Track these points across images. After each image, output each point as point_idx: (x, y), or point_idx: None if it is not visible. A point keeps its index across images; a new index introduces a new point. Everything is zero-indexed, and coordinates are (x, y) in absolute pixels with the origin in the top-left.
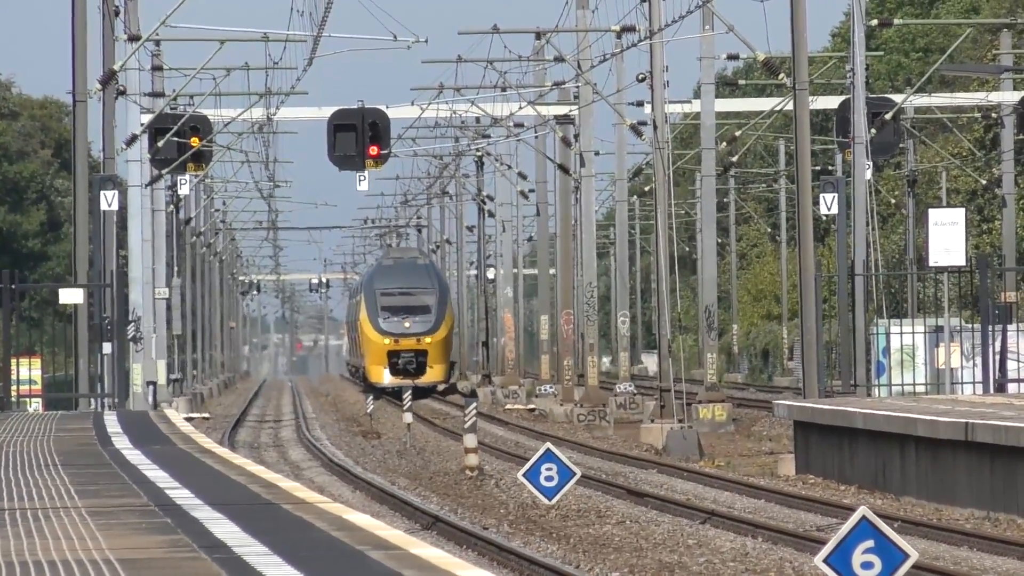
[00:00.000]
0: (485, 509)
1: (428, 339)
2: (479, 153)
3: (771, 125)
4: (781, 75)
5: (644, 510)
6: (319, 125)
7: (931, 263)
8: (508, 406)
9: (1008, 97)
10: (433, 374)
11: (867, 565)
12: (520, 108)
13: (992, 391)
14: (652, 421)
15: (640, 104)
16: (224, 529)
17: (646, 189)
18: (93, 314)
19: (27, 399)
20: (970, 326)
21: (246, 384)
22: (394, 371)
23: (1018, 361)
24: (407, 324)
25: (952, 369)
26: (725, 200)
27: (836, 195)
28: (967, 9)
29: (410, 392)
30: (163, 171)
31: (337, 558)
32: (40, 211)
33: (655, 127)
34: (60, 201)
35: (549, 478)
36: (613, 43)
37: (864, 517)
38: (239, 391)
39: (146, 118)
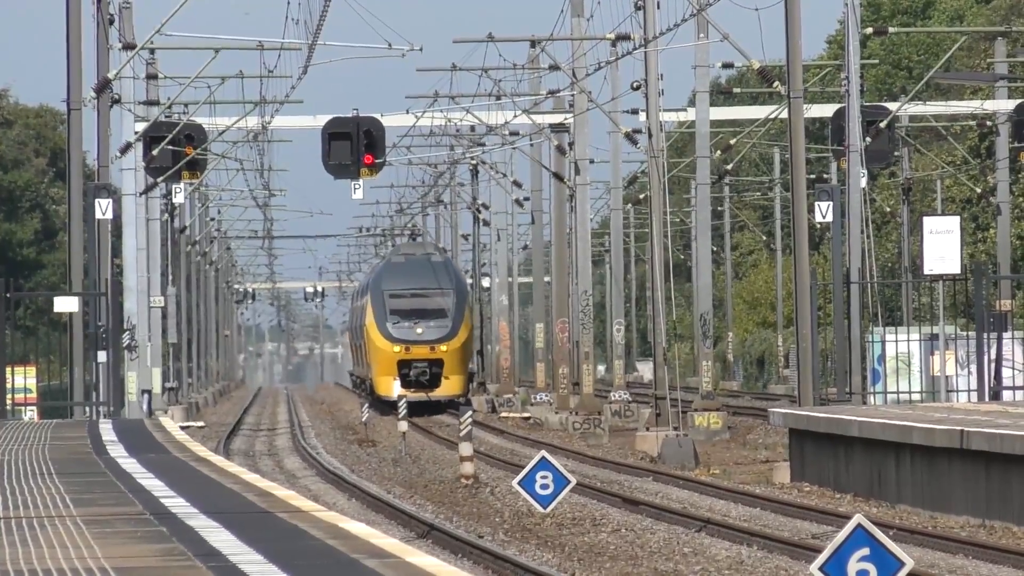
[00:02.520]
0: (480, 517)
1: (444, 347)
2: (474, 161)
3: (766, 133)
4: (776, 83)
5: (639, 518)
6: (314, 134)
7: (926, 271)
8: (503, 414)
9: (1003, 105)
10: (449, 386)
11: (863, 573)
12: (515, 116)
13: (987, 399)
14: (647, 429)
15: (635, 112)
16: (219, 537)
17: (641, 197)
18: (88, 323)
19: (22, 407)
20: (965, 334)
21: (241, 392)
22: (405, 383)
23: (1013, 369)
24: (420, 330)
25: (947, 377)
26: (720, 208)
27: (831, 203)
28: (952, 18)
29: (405, 402)
30: (158, 179)
31: (332, 566)
32: (35, 220)
33: (650, 135)
34: (55, 210)
35: (544, 486)
36: (608, 51)
37: (860, 525)
38: (234, 399)
39: (141, 126)
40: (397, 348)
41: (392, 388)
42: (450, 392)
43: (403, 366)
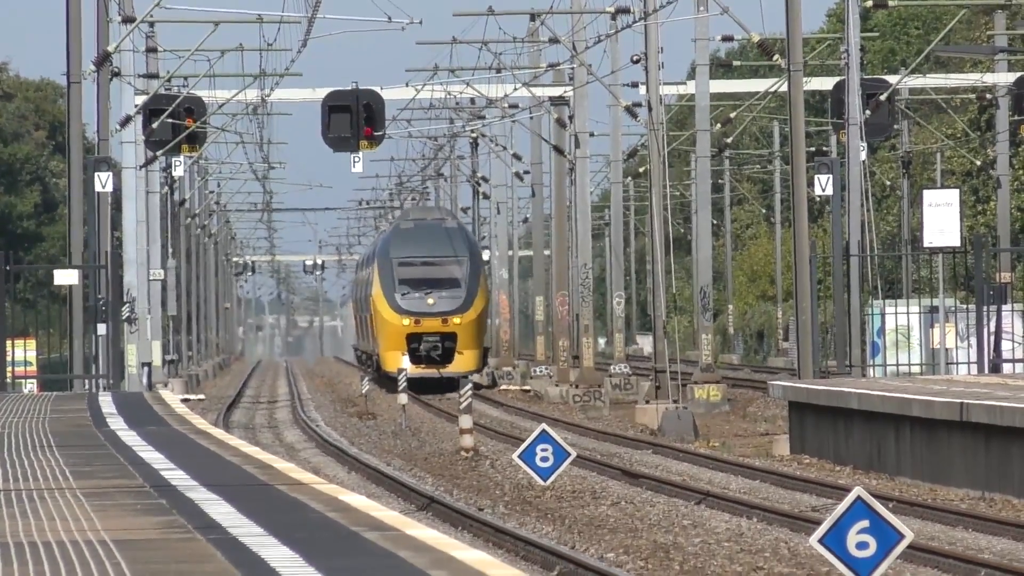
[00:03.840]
0: (480, 490)
1: (457, 319)
2: (474, 135)
3: (766, 106)
4: (776, 56)
5: (639, 491)
6: (313, 107)
7: (926, 244)
8: (503, 387)
9: (1003, 78)
10: (463, 362)
11: (862, 545)
12: (515, 89)
13: (987, 371)
14: (647, 402)
15: (635, 85)
16: (219, 510)
17: (641, 170)
18: (88, 295)
19: (22, 380)
20: (965, 307)
21: (241, 365)
22: (415, 358)
23: (1013, 341)
24: (431, 301)
25: (947, 349)
26: (720, 181)
27: (831, 176)
28: None
29: (405, 375)
30: (157, 152)
31: (332, 539)
32: (35, 193)
33: (650, 108)
34: (55, 183)
35: (544, 459)
36: (608, 24)
37: (859, 498)
38: (234, 372)
39: (140, 100)
40: (406, 321)
41: (401, 364)
42: (464, 368)
43: (413, 340)
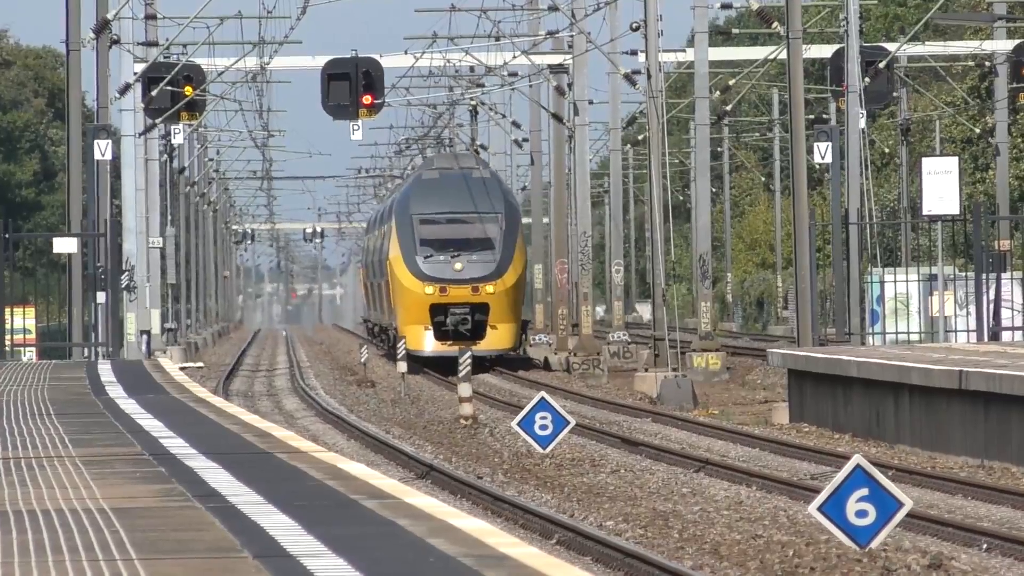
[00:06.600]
0: (479, 458)
1: (490, 287)
2: (473, 102)
3: (765, 74)
4: (775, 24)
5: (638, 459)
6: (313, 74)
7: (925, 212)
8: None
9: (1001, 45)
10: (497, 338)
11: (861, 513)
12: (514, 57)
13: (986, 339)
14: (646, 370)
15: (634, 53)
16: (218, 478)
17: (640, 138)
18: (87, 263)
19: (21, 348)
20: (964, 274)
21: (240, 333)
22: (440, 334)
23: (1011, 309)
24: (459, 266)
25: (946, 317)
26: (719, 149)
27: (830, 144)
28: None
29: (403, 344)
30: (157, 120)
31: (331, 507)
32: (34, 160)
33: (649, 76)
34: (54, 151)
35: (543, 427)
36: None
37: (858, 466)
38: (233, 340)
39: (140, 67)
40: (430, 289)
41: (423, 341)
42: (498, 346)
43: (437, 312)
